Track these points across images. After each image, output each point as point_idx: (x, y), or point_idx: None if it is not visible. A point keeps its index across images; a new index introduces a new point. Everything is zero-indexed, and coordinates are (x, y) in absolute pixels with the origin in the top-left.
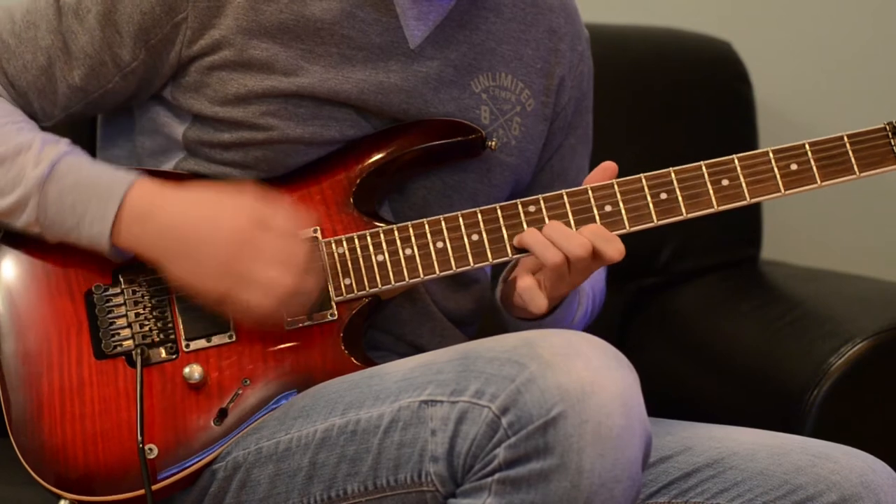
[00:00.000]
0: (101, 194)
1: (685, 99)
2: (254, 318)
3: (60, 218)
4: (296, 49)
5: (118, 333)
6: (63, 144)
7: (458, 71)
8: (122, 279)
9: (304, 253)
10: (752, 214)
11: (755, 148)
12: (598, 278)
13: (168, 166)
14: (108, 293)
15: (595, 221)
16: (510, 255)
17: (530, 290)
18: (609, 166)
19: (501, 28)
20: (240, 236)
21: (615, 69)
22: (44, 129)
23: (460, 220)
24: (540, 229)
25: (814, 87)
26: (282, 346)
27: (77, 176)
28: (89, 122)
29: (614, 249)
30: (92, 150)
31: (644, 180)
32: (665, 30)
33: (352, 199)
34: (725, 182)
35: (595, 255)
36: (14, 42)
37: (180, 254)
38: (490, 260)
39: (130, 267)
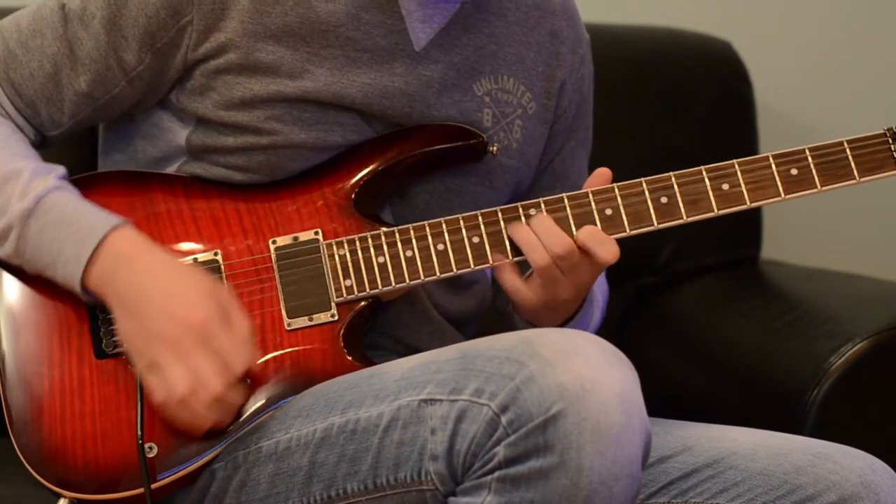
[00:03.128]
0: (78, 236)
1: (685, 99)
2: (167, 399)
3: (38, 253)
4: (301, 52)
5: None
6: (52, 178)
7: (460, 74)
8: None
9: (244, 366)
10: (752, 214)
11: (755, 148)
12: (600, 279)
13: (170, 170)
14: None
15: (596, 224)
16: (511, 258)
17: (515, 288)
18: (604, 172)
19: (504, 31)
20: (193, 325)
21: (615, 69)
22: (52, 138)
23: (461, 222)
24: (529, 219)
25: (814, 87)
26: (282, 346)
27: (60, 213)
28: (90, 130)
29: (607, 252)
30: (94, 157)
31: (644, 184)
32: (665, 30)
33: (353, 203)
34: (726, 186)
35: (588, 256)
36: (20, 51)
37: (131, 311)
38: (490, 262)
39: None
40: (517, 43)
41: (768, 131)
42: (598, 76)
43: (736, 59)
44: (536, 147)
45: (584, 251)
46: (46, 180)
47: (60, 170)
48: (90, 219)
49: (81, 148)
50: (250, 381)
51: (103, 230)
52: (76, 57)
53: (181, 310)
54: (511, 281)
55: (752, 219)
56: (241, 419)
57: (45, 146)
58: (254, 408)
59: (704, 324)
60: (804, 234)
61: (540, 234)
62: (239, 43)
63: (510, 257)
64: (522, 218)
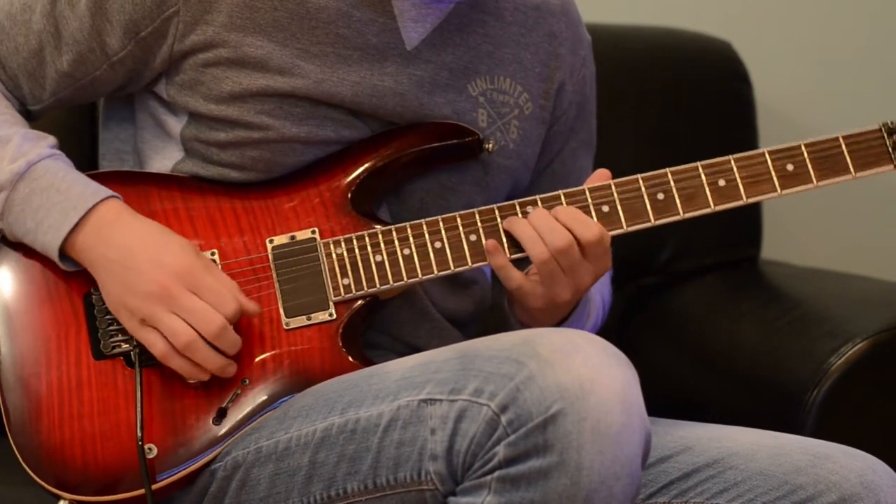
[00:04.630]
0: (64, 205)
1: (685, 99)
2: (169, 350)
3: (22, 218)
4: (291, 48)
5: (117, 334)
6: (44, 146)
7: (453, 74)
8: None
9: (234, 309)
10: (752, 214)
11: (755, 148)
12: (605, 282)
13: (167, 165)
14: None
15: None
16: (508, 256)
17: (521, 287)
18: (604, 173)
19: (501, 31)
20: (179, 270)
21: (615, 69)
22: (34, 112)
23: (458, 220)
24: (527, 215)
25: (814, 87)
26: (280, 345)
27: (51, 181)
28: (91, 119)
29: (588, 230)
30: (92, 137)
31: (641, 181)
32: (665, 30)
33: (350, 201)
34: (722, 182)
35: (578, 243)
36: (9, 24)
37: (117, 271)
38: (485, 248)
39: None
40: (514, 43)
41: (768, 131)
42: (598, 76)
43: (736, 59)
44: (534, 148)
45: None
46: (38, 147)
47: (50, 139)
48: (79, 190)
49: (81, 129)
50: (248, 380)
51: (90, 202)
52: (61, 36)
53: (168, 257)
54: (512, 275)
55: (752, 219)
56: (240, 419)
57: (28, 119)
58: (253, 407)
59: (704, 324)
60: (804, 234)
61: (539, 228)
62: (227, 37)
63: (507, 254)
64: (519, 215)
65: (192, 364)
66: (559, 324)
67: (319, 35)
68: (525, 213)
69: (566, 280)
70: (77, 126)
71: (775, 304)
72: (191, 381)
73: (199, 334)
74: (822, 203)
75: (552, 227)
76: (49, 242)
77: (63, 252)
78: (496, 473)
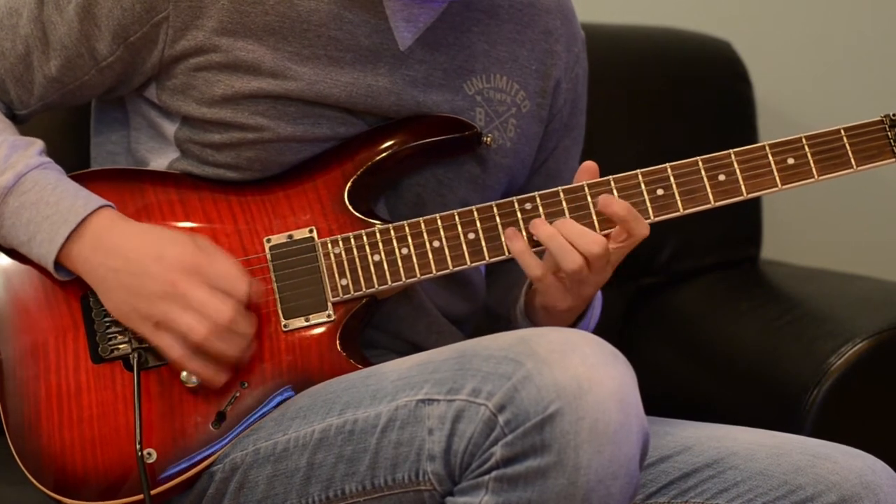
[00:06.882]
0: (55, 219)
1: (685, 99)
2: (188, 349)
3: (15, 231)
4: (283, 51)
5: (115, 337)
6: (32, 155)
7: (447, 74)
8: None
9: (245, 289)
10: (751, 214)
11: None
12: None
13: (163, 165)
14: None
15: (591, 218)
16: (507, 254)
17: (553, 288)
18: (591, 167)
19: (496, 29)
20: (184, 263)
21: (615, 69)
22: (20, 116)
23: (456, 218)
24: (551, 223)
25: (814, 87)
26: (279, 347)
27: (40, 194)
28: (87, 108)
29: (644, 227)
30: (87, 140)
31: (641, 176)
32: (665, 30)
33: (347, 198)
34: (722, 177)
35: (629, 235)
36: None
37: (122, 278)
38: (487, 258)
39: None
40: (510, 41)
41: (768, 131)
42: (598, 77)
43: (736, 59)
44: (531, 146)
45: (623, 226)
46: (27, 156)
47: (39, 144)
48: (69, 201)
49: (76, 134)
50: (247, 383)
51: (81, 214)
52: (48, 41)
53: (168, 250)
54: (532, 262)
55: (752, 218)
56: (239, 422)
57: (16, 123)
58: (251, 409)
59: (704, 324)
60: (804, 234)
61: (570, 236)
62: (218, 41)
63: (506, 253)
64: (518, 213)
65: (208, 365)
66: (576, 322)
67: (311, 38)
68: (524, 210)
69: (593, 279)
70: (76, 125)
71: (775, 303)
72: (191, 386)
73: (215, 325)
74: (822, 202)
75: (583, 232)
76: (43, 255)
77: (58, 263)
78: (493, 473)
